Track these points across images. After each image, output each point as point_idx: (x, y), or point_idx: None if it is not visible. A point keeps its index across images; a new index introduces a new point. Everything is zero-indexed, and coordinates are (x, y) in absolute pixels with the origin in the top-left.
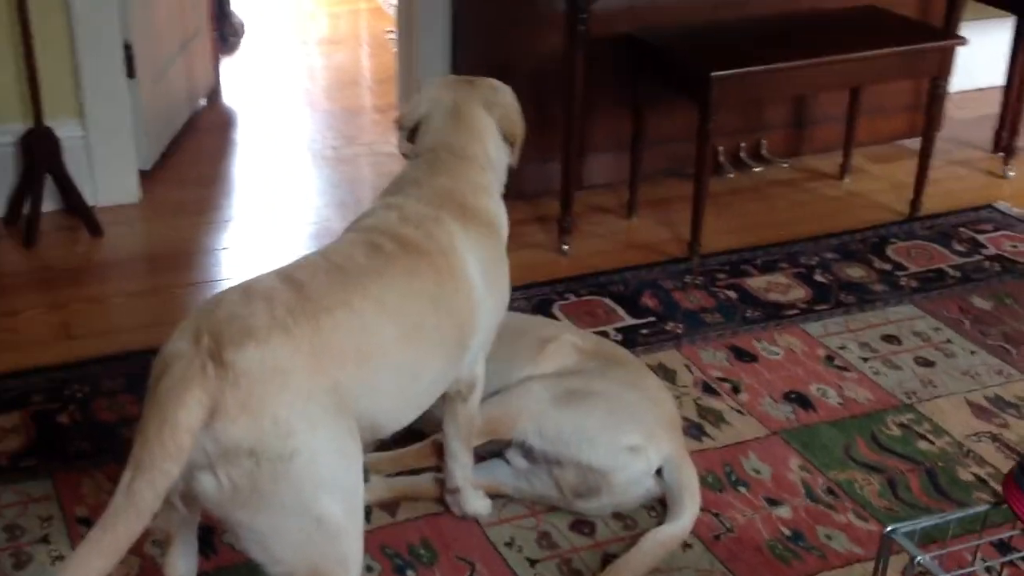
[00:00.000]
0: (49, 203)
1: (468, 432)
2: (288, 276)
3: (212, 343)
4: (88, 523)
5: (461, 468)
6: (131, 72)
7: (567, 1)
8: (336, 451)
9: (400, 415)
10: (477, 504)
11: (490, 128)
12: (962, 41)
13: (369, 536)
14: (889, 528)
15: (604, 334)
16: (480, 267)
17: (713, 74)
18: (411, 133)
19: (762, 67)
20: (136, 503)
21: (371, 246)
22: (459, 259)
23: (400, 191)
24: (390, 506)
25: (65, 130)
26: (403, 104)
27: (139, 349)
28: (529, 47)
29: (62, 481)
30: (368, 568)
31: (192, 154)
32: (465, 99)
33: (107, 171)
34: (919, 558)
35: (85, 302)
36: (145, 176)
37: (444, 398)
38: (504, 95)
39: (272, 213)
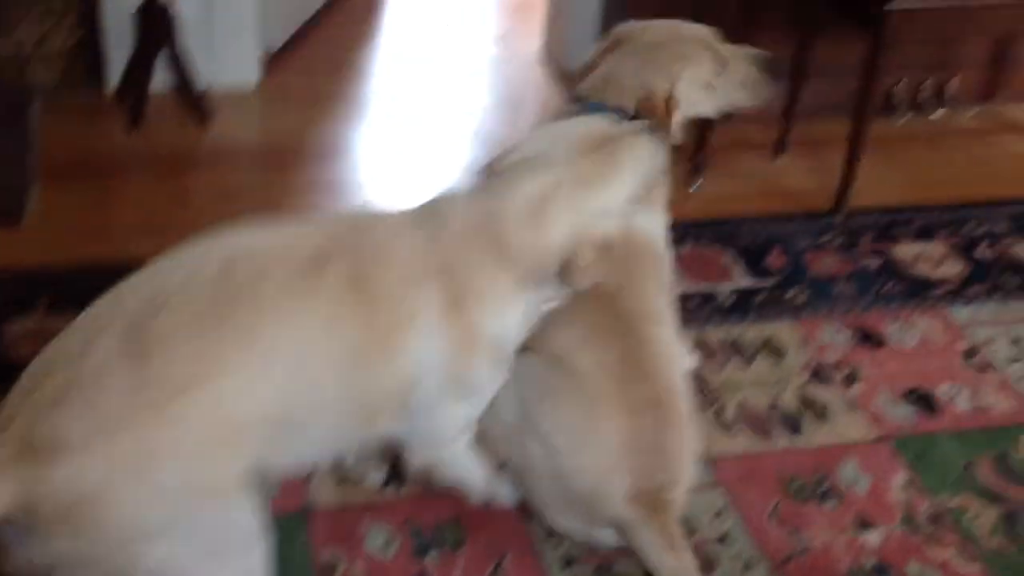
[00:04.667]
0: (165, 82)
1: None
2: (134, 340)
3: (24, 445)
4: None
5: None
6: None
7: None
8: (198, 550)
9: (291, 466)
10: (499, 488)
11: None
12: None
13: (395, 505)
14: None
15: (711, 297)
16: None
17: (890, 6)
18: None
19: (951, 2)
20: None
21: (315, 263)
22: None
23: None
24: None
25: (185, 4)
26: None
27: None
28: None
29: None
30: (384, 542)
31: (329, 38)
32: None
33: (226, 51)
34: None
35: (179, 194)
36: (272, 59)
37: None
38: None
39: (410, 110)
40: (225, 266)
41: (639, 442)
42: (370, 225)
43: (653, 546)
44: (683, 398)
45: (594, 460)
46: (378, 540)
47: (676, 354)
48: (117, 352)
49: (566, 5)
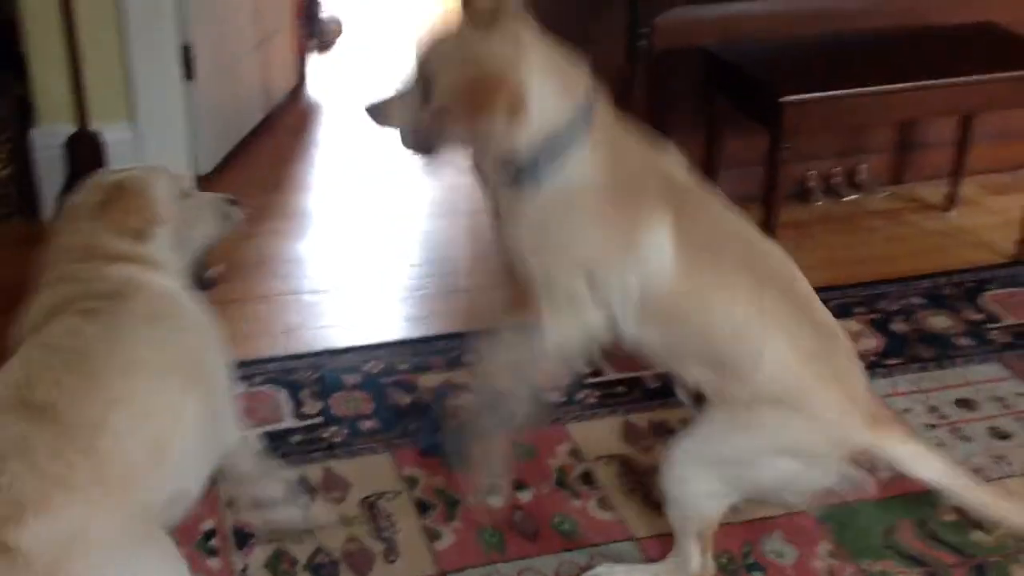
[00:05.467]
0: None
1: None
2: (26, 404)
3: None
4: None
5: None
6: (189, 73)
7: (628, 13)
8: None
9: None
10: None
11: None
12: None
13: None
14: None
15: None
16: None
17: (784, 99)
18: None
19: (846, 91)
20: None
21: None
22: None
23: None
24: (362, 569)
25: (114, 133)
26: None
27: None
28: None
29: None
30: None
31: (263, 157)
32: None
33: None
34: None
35: None
36: (206, 179)
37: None
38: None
39: (345, 221)
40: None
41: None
42: None
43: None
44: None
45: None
46: None
47: None
48: (16, 414)
49: None
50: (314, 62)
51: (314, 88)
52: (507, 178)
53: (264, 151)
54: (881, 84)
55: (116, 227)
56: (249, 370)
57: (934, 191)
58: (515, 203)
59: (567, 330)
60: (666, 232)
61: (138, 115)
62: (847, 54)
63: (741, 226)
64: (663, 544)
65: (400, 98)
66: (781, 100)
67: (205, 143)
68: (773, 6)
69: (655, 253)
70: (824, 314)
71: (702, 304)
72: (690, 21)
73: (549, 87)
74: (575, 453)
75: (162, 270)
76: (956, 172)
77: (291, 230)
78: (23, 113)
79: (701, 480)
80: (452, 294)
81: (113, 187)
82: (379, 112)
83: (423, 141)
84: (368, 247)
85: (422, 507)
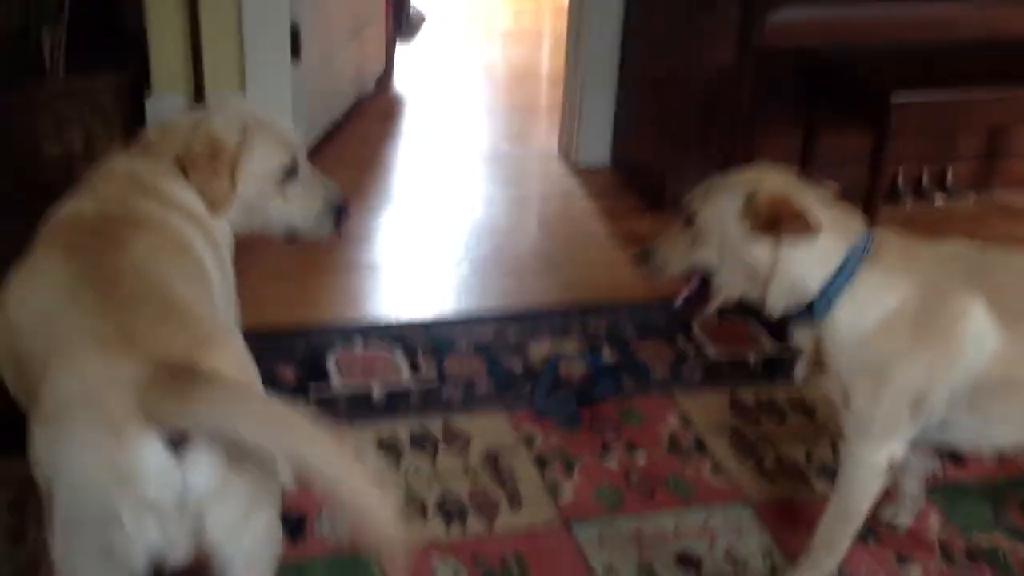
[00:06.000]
0: None
1: None
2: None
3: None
4: None
5: None
6: (296, 53)
7: (741, 9)
8: None
9: None
10: None
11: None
12: None
13: (460, 543)
14: None
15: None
16: None
17: (894, 98)
18: None
19: (951, 94)
20: None
21: None
22: None
23: None
24: (489, 513)
25: None
26: None
27: (270, 328)
28: (699, 56)
29: None
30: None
31: (353, 138)
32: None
33: None
34: None
35: None
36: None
37: None
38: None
39: (426, 202)
40: None
41: None
42: None
43: None
44: None
45: None
46: (446, 575)
47: None
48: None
49: (582, 106)
50: (400, 52)
51: (400, 77)
52: (796, 313)
53: (354, 134)
54: (984, 87)
55: (193, 183)
56: (360, 331)
57: (1017, 198)
58: (817, 341)
59: (878, 457)
60: (982, 314)
61: (248, 90)
62: (949, 59)
63: None
64: (778, 510)
65: (672, 242)
66: (892, 101)
67: (307, 122)
68: (875, 11)
69: (978, 341)
70: None
71: None
72: (798, 22)
73: (829, 216)
74: (685, 422)
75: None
76: None
77: (374, 207)
78: (138, 84)
79: None
80: (519, 273)
81: (213, 140)
82: (650, 257)
83: (692, 295)
84: (442, 227)
85: (540, 462)
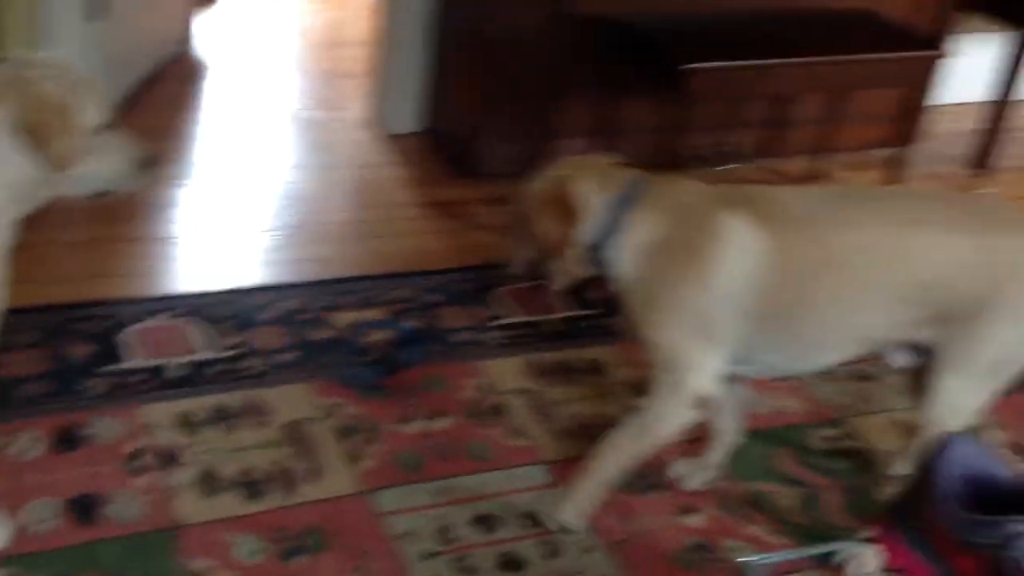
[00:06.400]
0: None
1: None
2: None
3: None
4: None
5: None
6: (94, 13)
7: None
8: None
9: None
10: None
11: None
12: (942, 53)
13: (259, 517)
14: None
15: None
16: None
17: (688, 67)
18: None
19: (742, 64)
20: None
21: None
22: None
23: None
24: (287, 486)
25: None
26: None
27: (62, 303)
28: (509, 21)
29: None
30: (254, 552)
31: (152, 105)
32: None
33: None
34: None
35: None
36: None
37: None
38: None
39: (229, 171)
40: None
41: None
42: None
43: None
44: None
45: None
46: (246, 549)
47: None
48: None
49: (392, 71)
50: (206, 15)
51: (205, 41)
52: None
53: (153, 100)
54: (767, 58)
55: (41, 143)
56: (156, 305)
57: (795, 166)
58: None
59: (683, 389)
60: (741, 225)
61: (43, 52)
62: (743, 31)
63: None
64: (574, 468)
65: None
66: (686, 68)
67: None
68: None
69: (740, 251)
70: None
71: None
72: None
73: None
74: (487, 387)
75: None
76: (817, 149)
77: (175, 177)
78: None
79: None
80: (327, 242)
81: (37, 102)
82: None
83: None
84: (246, 196)
85: (342, 432)
